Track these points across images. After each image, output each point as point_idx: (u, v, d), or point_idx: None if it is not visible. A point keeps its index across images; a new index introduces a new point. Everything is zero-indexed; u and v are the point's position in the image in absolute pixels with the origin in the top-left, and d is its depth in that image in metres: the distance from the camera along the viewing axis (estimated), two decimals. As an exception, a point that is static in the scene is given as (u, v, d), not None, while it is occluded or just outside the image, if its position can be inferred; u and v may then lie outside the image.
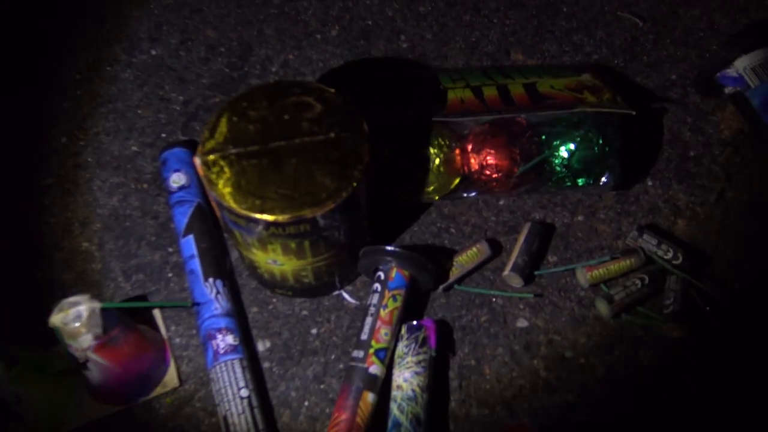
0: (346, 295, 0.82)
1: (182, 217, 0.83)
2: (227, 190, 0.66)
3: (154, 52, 1.05)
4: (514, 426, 0.73)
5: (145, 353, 0.74)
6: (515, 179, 0.83)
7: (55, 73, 1.02)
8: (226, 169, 0.67)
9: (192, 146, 0.89)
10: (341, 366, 0.78)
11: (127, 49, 1.05)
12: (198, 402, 0.76)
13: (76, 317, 0.65)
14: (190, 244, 0.81)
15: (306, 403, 0.76)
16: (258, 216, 0.65)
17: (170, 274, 0.85)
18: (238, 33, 1.06)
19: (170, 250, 0.86)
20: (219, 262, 0.81)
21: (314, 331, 0.81)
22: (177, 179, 0.86)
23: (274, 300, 0.83)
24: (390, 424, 0.71)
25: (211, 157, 0.68)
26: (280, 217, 0.65)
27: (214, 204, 0.73)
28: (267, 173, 0.67)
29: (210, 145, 0.69)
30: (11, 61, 1.02)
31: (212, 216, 0.83)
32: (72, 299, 0.66)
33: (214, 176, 0.67)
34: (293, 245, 0.70)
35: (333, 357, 0.79)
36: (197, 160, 0.69)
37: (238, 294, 0.82)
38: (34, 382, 0.69)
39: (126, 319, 0.72)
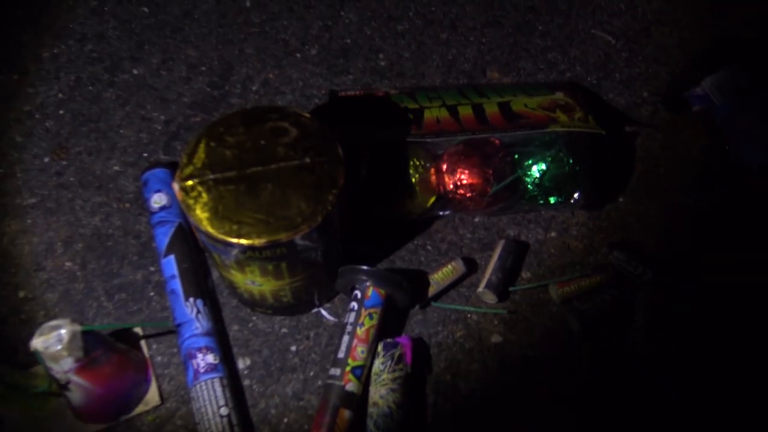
0: (324, 313, 0.84)
1: (163, 237, 0.85)
2: (205, 215, 0.68)
3: (135, 72, 1.06)
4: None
5: (126, 373, 0.76)
6: (489, 198, 0.85)
7: (38, 92, 1.03)
8: (204, 195, 0.69)
9: (173, 167, 0.91)
10: (320, 382, 0.80)
11: (109, 69, 1.06)
12: (179, 420, 0.78)
13: (57, 341, 0.66)
14: (171, 264, 0.83)
15: (285, 420, 0.78)
16: (235, 240, 0.67)
17: (152, 293, 0.86)
18: (218, 52, 1.08)
19: (152, 269, 0.88)
20: (200, 281, 0.83)
21: (293, 348, 0.82)
22: (158, 200, 0.87)
23: (254, 318, 0.84)
24: (366, 440, 0.72)
25: (189, 182, 0.70)
26: (256, 242, 0.67)
27: (193, 227, 0.74)
28: (243, 198, 0.69)
29: (188, 170, 0.70)
30: (-6, 80, 1.03)
31: (193, 236, 0.85)
32: (53, 323, 0.67)
33: (191, 201, 0.69)
34: (270, 267, 0.71)
35: (312, 374, 0.81)
36: (176, 186, 0.70)
37: (218, 312, 0.83)
38: (17, 402, 0.70)
39: (108, 339, 0.74)
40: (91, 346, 0.70)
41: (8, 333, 0.84)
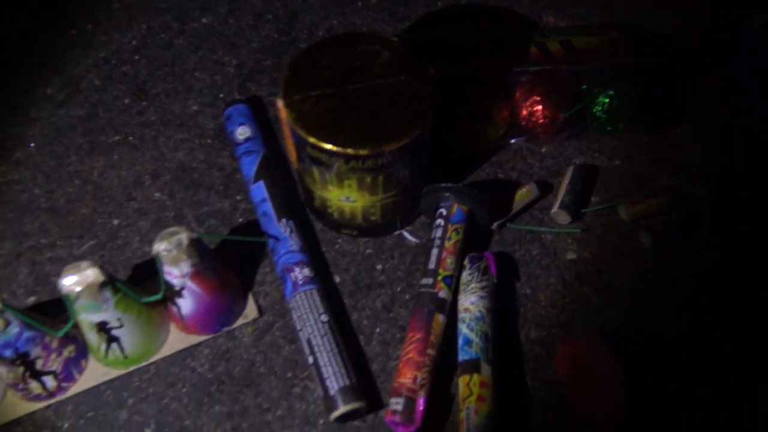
0: (406, 234, 0.88)
1: (251, 165, 0.89)
2: (311, 128, 0.72)
3: (204, 20, 1.11)
4: (577, 339, 0.79)
5: (230, 285, 0.80)
6: (559, 124, 0.90)
7: (111, 40, 1.07)
8: (309, 110, 0.73)
9: (252, 104, 0.95)
10: (407, 296, 0.85)
11: (178, 18, 1.11)
12: (277, 331, 0.82)
13: (177, 245, 0.71)
14: (261, 189, 0.87)
15: (377, 330, 0.83)
16: (341, 150, 0.71)
17: (240, 219, 0.91)
18: (282, 1, 1.12)
19: (238, 198, 0.92)
20: (288, 205, 0.87)
21: (379, 266, 0.87)
22: (243, 132, 0.92)
23: (340, 240, 0.89)
24: (461, 341, 0.77)
25: (295, 98, 0.74)
26: (362, 151, 0.72)
27: (291, 146, 0.79)
28: (346, 112, 0.74)
29: (292, 88, 0.75)
30: (70, 26, 1.07)
31: (277, 165, 0.89)
32: (171, 229, 0.72)
33: (297, 116, 0.73)
34: (369, 180, 0.76)
35: (399, 289, 0.85)
36: (280, 103, 0.75)
37: (309, 233, 0.88)
38: (133, 309, 0.75)
39: (212, 253, 0.78)
40: (204, 254, 0.74)
41: (107, 257, 0.88)
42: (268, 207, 0.86)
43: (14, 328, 0.68)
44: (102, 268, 0.69)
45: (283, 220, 0.84)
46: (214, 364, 0.80)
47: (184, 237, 0.71)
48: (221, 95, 1.02)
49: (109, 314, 0.72)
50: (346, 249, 0.88)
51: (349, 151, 0.71)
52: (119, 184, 0.93)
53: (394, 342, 0.82)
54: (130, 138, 0.98)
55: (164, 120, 0.99)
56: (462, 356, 0.76)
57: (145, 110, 1.00)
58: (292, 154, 0.81)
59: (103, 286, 0.69)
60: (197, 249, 0.72)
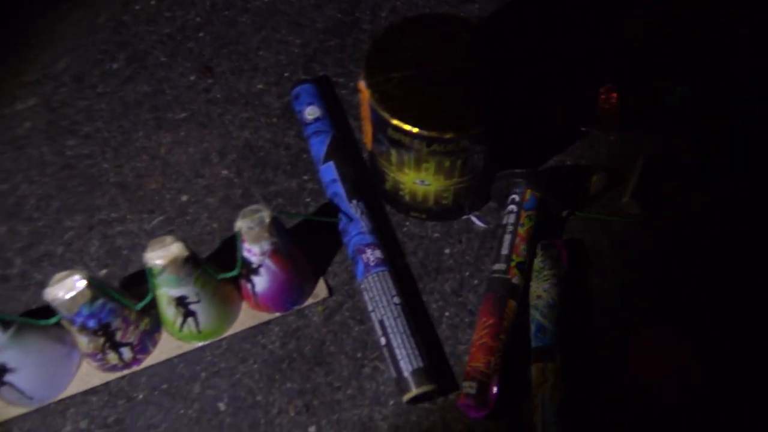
0: (475, 219, 0.88)
1: (320, 145, 0.89)
2: (393, 110, 0.72)
3: (267, -1, 1.10)
4: (648, 328, 0.79)
5: (302, 265, 0.81)
6: (630, 113, 0.89)
7: (176, 16, 1.07)
8: (391, 91, 0.73)
9: (320, 84, 0.95)
10: (476, 281, 0.85)
11: (242, -5, 1.10)
12: (347, 311, 0.83)
13: (259, 222, 0.71)
14: (331, 170, 0.87)
15: (447, 314, 0.83)
16: (426, 133, 0.71)
17: (308, 199, 0.91)
18: (346, -19, 1.11)
19: (305, 177, 0.93)
20: (358, 186, 0.87)
21: (447, 251, 0.87)
22: (312, 111, 0.92)
23: (407, 223, 0.89)
24: (534, 328, 0.77)
25: (377, 79, 0.74)
26: (447, 135, 0.71)
27: (368, 127, 0.79)
28: (429, 95, 0.73)
29: (374, 69, 0.75)
30: (133, 1, 1.08)
31: (346, 146, 0.89)
32: (253, 207, 0.72)
33: (380, 97, 0.73)
34: (447, 164, 0.76)
35: (467, 274, 0.85)
36: (362, 83, 0.75)
37: (378, 215, 0.88)
38: (210, 285, 0.75)
39: (288, 232, 0.78)
40: (281, 233, 0.74)
41: (176, 233, 0.89)
42: (339, 187, 0.86)
43: (99, 300, 0.69)
44: (185, 243, 0.70)
45: (354, 201, 0.85)
46: (284, 342, 0.81)
47: (266, 215, 0.71)
48: (286, 74, 1.02)
49: (188, 289, 0.73)
50: (414, 232, 0.88)
51: (434, 134, 0.71)
52: (187, 161, 0.94)
53: (463, 326, 0.82)
54: (197, 115, 0.98)
55: (230, 98, 0.99)
56: (535, 343, 0.76)
57: (211, 88, 1.00)
58: (367, 135, 0.81)
59: (186, 261, 0.70)
60: (277, 227, 0.73)
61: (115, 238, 0.88)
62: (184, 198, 0.91)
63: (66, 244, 0.87)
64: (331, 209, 0.85)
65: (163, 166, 0.94)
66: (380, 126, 0.75)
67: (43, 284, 0.81)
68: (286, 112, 0.98)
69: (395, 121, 0.71)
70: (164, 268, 0.69)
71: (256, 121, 0.98)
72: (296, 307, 0.82)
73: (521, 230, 0.81)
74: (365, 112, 0.77)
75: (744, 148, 0.91)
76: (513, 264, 0.79)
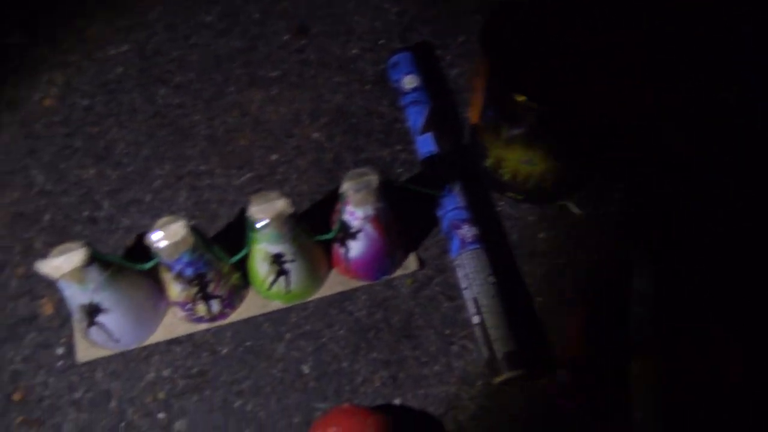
0: (572, 205, 0.86)
1: (418, 116, 0.87)
2: (515, 81, 0.69)
3: (364, -38, 1.08)
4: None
5: (397, 234, 0.79)
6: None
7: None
8: (513, 62, 0.71)
9: (417, 53, 0.93)
10: (570, 269, 0.82)
11: (338, -43, 1.08)
12: (436, 286, 0.81)
13: (366, 186, 0.69)
14: (429, 141, 0.85)
15: (539, 299, 0.80)
16: (546, 108, 0.69)
17: (400, 170, 0.89)
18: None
19: (398, 147, 0.90)
20: (454, 161, 0.85)
21: (542, 235, 0.85)
22: (410, 81, 0.90)
23: (501, 203, 0.86)
24: (636, 320, 0.74)
25: (498, 49, 0.71)
26: (568, 112, 0.69)
27: (477, 100, 0.76)
28: (551, 70, 0.71)
29: (495, 38, 0.72)
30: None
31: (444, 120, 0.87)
32: (360, 170, 0.70)
33: (500, 68, 0.70)
34: (561, 143, 0.73)
35: (561, 262, 0.83)
36: (481, 53, 0.72)
37: (472, 192, 0.85)
38: (305, 245, 0.74)
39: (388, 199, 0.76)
40: (383, 199, 0.72)
41: (265, 189, 0.87)
42: (436, 161, 0.83)
43: (199, 249, 0.68)
44: (290, 200, 0.68)
45: (451, 175, 0.82)
46: (372, 311, 0.79)
47: (374, 179, 0.69)
48: (381, 42, 0.99)
49: (286, 247, 0.71)
50: (508, 212, 0.86)
51: (555, 110, 0.68)
52: (278, 120, 0.92)
53: (555, 313, 0.79)
54: (289, 75, 0.96)
55: (323, 61, 0.97)
56: (637, 335, 0.74)
57: (305, 48, 0.98)
58: (475, 108, 0.78)
59: (289, 218, 0.68)
60: (382, 193, 0.71)
61: (203, 190, 0.87)
62: (274, 157, 0.90)
63: (154, 192, 0.86)
64: (425, 182, 0.83)
65: (254, 123, 0.92)
66: (495, 98, 0.72)
67: (130, 229, 0.81)
68: (380, 80, 0.95)
69: (515, 94, 0.69)
70: (267, 223, 0.67)
71: (350, 87, 0.95)
72: (385, 277, 0.80)
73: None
74: (478, 83, 0.75)
75: (747, 146, 0.86)
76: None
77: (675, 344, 0.74)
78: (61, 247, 0.65)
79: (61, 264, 0.63)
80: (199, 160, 0.89)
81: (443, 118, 0.89)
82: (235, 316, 0.78)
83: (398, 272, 0.81)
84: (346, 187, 0.69)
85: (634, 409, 0.69)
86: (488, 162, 0.82)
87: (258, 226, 0.68)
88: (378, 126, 0.92)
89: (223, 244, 0.75)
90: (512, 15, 0.74)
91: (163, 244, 0.65)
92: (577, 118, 0.69)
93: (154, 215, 0.84)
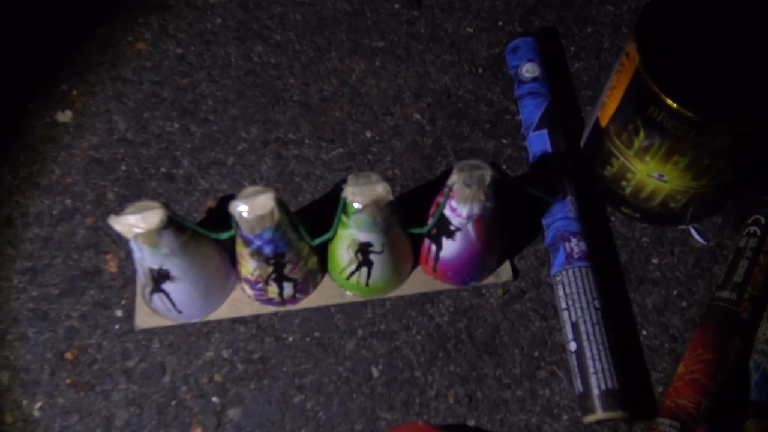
0: (695, 232, 0.75)
1: (535, 109, 0.78)
2: (668, 84, 0.60)
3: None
4: None
5: (496, 237, 0.70)
6: None
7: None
8: (668, 63, 0.61)
9: (540, 40, 0.83)
10: (684, 304, 0.72)
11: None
12: (529, 302, 0.72)
13: (479, 181, 0.61)
14: (544, 139, 0.76)
15: (644, 332, 0.71)
16: (702, 119, 0.59)
17: (504, 166, 0.80)
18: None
19: (504, 141, 0.82)
20: (568, 165, 0.75)
21: (655, 261, 0.75)
22: (531, 69, 0.80)
23: (613, 218, 0.77)
24: (758, 377, 0.65)
25: (653, 45, 0.62)
26: (727, 127, 0.58)
27: (614, 99, 0.67)
28: (715, 76, 0.61)
29: (650, 33, 0.63)
30: None
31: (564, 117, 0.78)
32: (473, 162, 0.62)
33: (653, 67, 0.61)
34: (706, 162, 0.63)
35: (675, 293, 0.73)
36: (633, 47, 0.62)
37: (584, 203, 0.76)
38: (395, 237, 0.66)
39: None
40: (494, 198, 0.64)
41: (355, 169, 0.80)
42: (549, 162, 0.74)
43: (282, 227, 0.61)
44: (390, 186, 0.60)
45: (565, 181, 0.73)
46: (454, 319, 0.71)
47: (488, 174, 0.61)
48: (500, 23, 0.90)
49: (376, 237, 0.64)
50: (620, 231, 0.76)
51: (714, 123, 0.58)
52: (378, 95, 0.84)
53: (661, 351, 0.70)
54: (396, 47, 0.88)
55: (435, 36, 0.89)
56: (758, 395, 0.64)
57: (416, 21, 0.90)
58: (608, 108, 0.68)
59: (387, 206, 0.60)
60: (494, 191, 0.62)
61: (289, 160, 0.80)
62: (369, 134, 0.82)
63: (238, 155, 0.80)
64: (534, 184, 0.74)
65: (352, 95, 0.85)
66: (640, 101, 0.62)
67: (207, 192, 0.75)
68: (494, 64, 0.87)
69: (667, 99, 0.59)
70: (363, 207, 0.59)
71: (459, 68, 0.87)
72: (474, 283, 0.72)
73: (763, 259, 0.68)
74: (620, 81, 0.65)
75: None
76: (746, 296, 0.66)
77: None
78: (138, 204, 0.59)
79: (137, 223, 0.58)
80: (289, 128, 0.82)
81: (561, 115, 0.79)
82: (307, 302, 0.71)
83: (489, 279, 0.73)
84: (455, 179, 0.61)
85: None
86: (609, 171, 0.72)
87: (350, 209, 0.60)
88: (485, 115, 0.83)
89: (303, 222, 0.67)
90: (674, 9, 0.64)
91: (247, 215, 0.59)
92: (736, 134, 0.59)
93: (234, 180, 0.78)
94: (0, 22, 0.87)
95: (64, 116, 0.82)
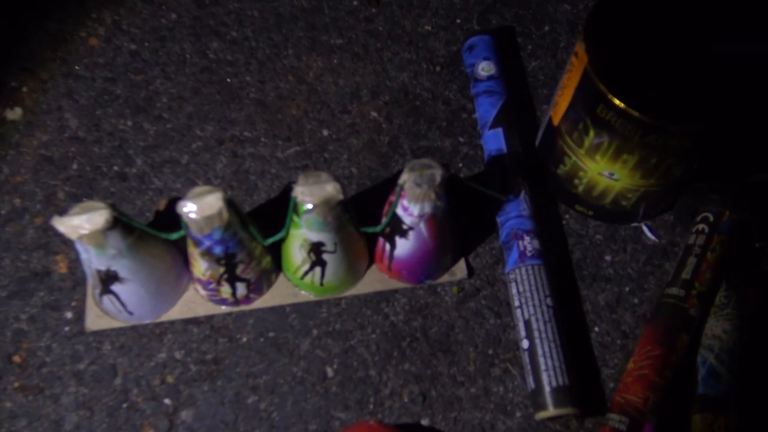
0: (647, 230, 0.76)
1: (490, 108, 0.78)
2: (615, 84, 0.60)
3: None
4: None
5: (451, 237, 0.70)
6: None
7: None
8: (615, 63, 0.62)
9: (496, 39, 0.84)
10: (635, 300, 0.73)
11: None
12: (483, 299, 0.73)
13: (429, 180, 0.61)
14: (498, 137, 0.76)
15: (596, 329, 0.72)
16: (649, 119, 0.59)
17: (460, 164, 0.80)
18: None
19: (461, 139, 0.82)
20: (523, 163, 0.76)
21: (608, 258, 0.75)
22: (486, 67, 0.81)
23: (567, 216, 0.77)
24: (705, 372, 0.66)
25: (600, 45, 0.62)
26: (675, 127, 0.59)
27: (564, 98, 0.67)
28: (662, 75, 0.61)
29: (598, 32, 0.63)
30: None
31: (515, 117, 0.78)
32: (423, 161, 0.62)
33: (601, 67, 0.61)
34: (654, 160, 0.64)
35: (627, 289, 0.74)
36: (581, 46, 0.63)
37: (537, 201, 0.76)
38: (348, 236, 0.66)
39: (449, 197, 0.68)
40: (445, 197, 0.64)
41: (311, 168, 0.80)
42: (504, 159, 0.75)
43: (233, 227, 0.60)
44: (341, 185, 0.60)
45: (519, 179, 0.73)
46: (409, 317, 0.71)
47: (438, 174, 0.61)
48: (458, 21, 0.90)
49: (328, 236, 0.63)
50: (574, 228, 0.77)
51: (661, 122, 0.59)
52: (335, 93, 0.84)
53: (613, 348, 0.71)
54: (354, 45, 0.88)
55: (393, 34, 0.89)
56: (704, 390, 0.65)
57: (374, 18, 0.90)
58: (559, 107, 0.69)
59: (337, 205, 0.60)
60: (444, 191, 0.62)
61: (245, 159, 0.79)
62: (325, 132, 0.82)
63: (192, 154, 0.79)
64: (488, 182, 0.74)
65: (309, 92, 0.84)
66: (589, 100, 0.63)
67: (160, 191, 0.75)
68: (451, 62, 0.87)
69: (615, 99, 0.59)
70: (314, 208, 0.59)
71: (417, 66, 0.87)
72: (429, 282, 0.72)
73: (710, 256, 0.69)
74: (570, 80, 0.65)
75: None
76: (694, 293, 0.67)
77: (748, 404, 0.64)
78: (83, 205, 0.58)
79: (81, 224, 0.57)
80: (244, 126, 0.81)
81: (516, 114, 0.79)
82: (261, 302, 0.71)
83: (444, 278, 0.73)
84: (406, 178, 0.61)
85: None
86: (562, 169, 0.73)
87: (301, 209, 0.60)
88: (443, 113, 0.83)
89: (258, 221, 0.67)
90: (621, 9, 0.64)
91: (194, 216, 0.58)
92: (683, 134, 0.59)
93: (188, 179, 0.78)
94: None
95: (14, 113, 0.81)
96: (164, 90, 0.83)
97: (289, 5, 0.91)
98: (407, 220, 0.64)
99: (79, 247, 0.59)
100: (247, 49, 0.87)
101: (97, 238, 0.58)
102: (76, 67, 0.84)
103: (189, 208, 0.58)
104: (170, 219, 0.68)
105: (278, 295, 0.72)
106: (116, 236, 0.59)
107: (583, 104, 0.64)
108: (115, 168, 0.78)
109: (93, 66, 0.85)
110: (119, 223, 0.59)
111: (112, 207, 0.58)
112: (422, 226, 0.64)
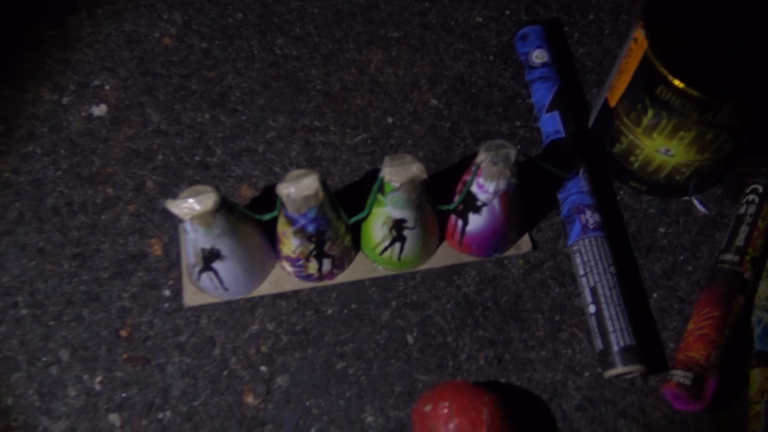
0: (697, 202, 0.81)
1: (546, 92, 0.84)
2: (675, 66, 0.66)
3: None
4: None
5: (516, 212, 0.76)
6: None
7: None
8: (674, 45, 0.67)
9: (547, 28, 0.89)
10: (690, 268, 0.79)
11: None
12: (548, 270, 0.78)
13: (505, 159, 0.66)
14: (555, 120, 0.82)
15: (654, 295, 0.77)
16: (707, 98, 0.65)
17: (519, 146, 0.85)
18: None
19: (517, 123, 0.87)
20: (581, 143, 0.81)
21: (662, 229, 0.81)
22: (540, 55, 0.86)
23: (622, 192, 0.83)
24: (760, 330, 0.71)
25: (660, 28, 0.67)
26: (730, 105, 0.64)
27: (622, 80, 0.73)
28: (719, 57, 0.66)
29: (657, 16, 0.68)
30: None
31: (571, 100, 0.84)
32: (498, 141, 0.67)
33: (660, 49, 0.66)
34: (710, 136, 0.69)
35: (681, 258, 0.79)
36: (640, 32, 0.68)
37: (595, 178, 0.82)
38: (426, 214, 0.71)
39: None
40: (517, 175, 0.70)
41: (379, 154, 0.85)
42: (563, 141, 0.80)
43: (325, 206, 0.66)
44: (425, 166, 0.66)
45: (577, 158, 0.79)
46: (480, 288, 0.77)
47: (512, 153, 0.66)
48: (507, 12, 0.96)
49: (410, 213, 0.69)
50: (628, 203, 0.82)
51: (716, 101, 0.64)
52: (396, 82, 0.90)
53: (671, 312, 0.76)
54: (410, 38, 0.93)
55: (446, 26, 0.94)
56: (760, 346, 0.70)
57: (428, 11, 0.95)
58: (617, 90, 0.74)
59: (420, 184, 0.66)
60: (517, 169, 0.68)
61: (316, 146, 0.85)
62: (390, 120, 0.87)
63: (267, 143, 0.85)
64: (548, 162, 0.79)
65: (371, 83, 0.90)
66: (649, 82, 0.68)
67: (241, 178, 0.80)
68: (503, 51, 0.92)
69: (675, 80, 0.65)
70: (400, 186, 0.65)
71: (471, 55, 0.92)
72: (497, 255, 0.78)
73: (761, 224, 0.74)
74: (629, 65, 0.71)
75: None
76: (747, 258, 0.73)
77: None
78: (191, 189, 0.64)
79: (193, 205, 0.62)
80: (314, 116, 0.87)
81: (570, 97, 0.85)
82: (342, 277, 0.77)
83: (511, 251, 0.79)
84: (483, 157, 0.67)
85: (749, 422, 0.66)
86: (618, 148, 0.78)
87: (387, 188, 0.66)
88: (498, 99, 0.89)
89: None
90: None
91: (294, 195, 0.64)
92: (738, 111, 0.65)
93: (266, 167, 0.83)
94: (10, 17, 0.91)
95: (99, 110, 0.87)
96: (236, 84, 0.89)
97: (347, 2, 0.96)
98: (482, 197, 0.70)
99: (188, 227, 0.65)
100: (311, 45, 0.92)
101: (207, 219, 0.64)
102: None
103: (289, 189, 0.64)
104: (252, 204, 0.74)
105: (358, 270, 0.77)
106: (222, 216, 0.65)
107: (642, 86, 0.70)
108: (197, 158, 0.84)
109: (168, 64, 0.90)
110: (225, 204, 0.65)
111: (218, 190, 0.64)
112: (495, 202, 0.70)
